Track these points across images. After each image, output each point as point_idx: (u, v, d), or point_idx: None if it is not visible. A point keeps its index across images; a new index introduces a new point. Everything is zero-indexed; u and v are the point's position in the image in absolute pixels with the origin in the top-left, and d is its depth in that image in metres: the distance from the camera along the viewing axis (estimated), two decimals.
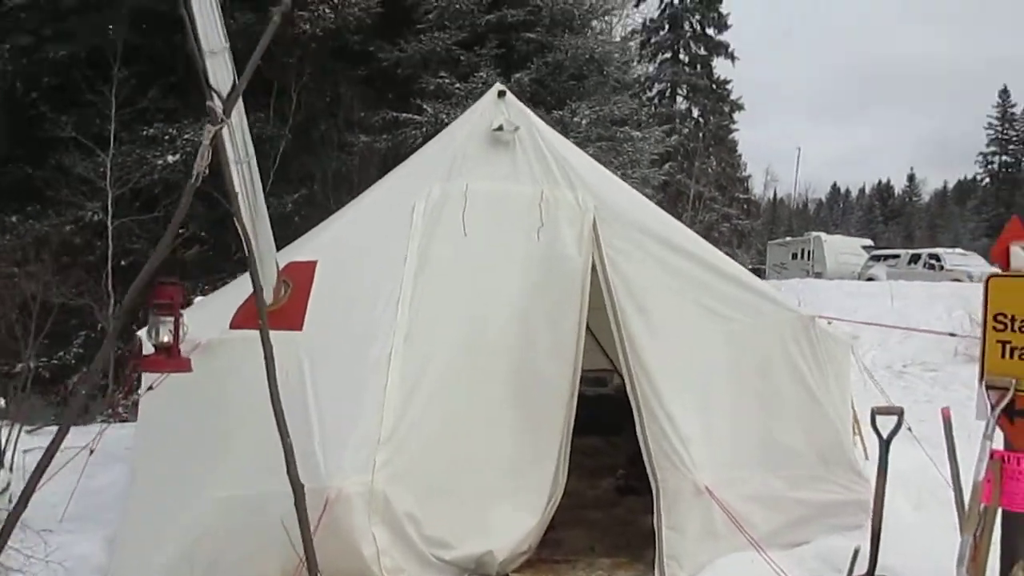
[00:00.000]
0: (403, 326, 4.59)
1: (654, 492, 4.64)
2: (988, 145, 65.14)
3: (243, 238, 4.07)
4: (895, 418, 4.44)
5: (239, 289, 4.85)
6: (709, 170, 34.81)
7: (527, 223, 4.99)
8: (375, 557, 4.22)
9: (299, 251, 5.04)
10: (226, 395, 4.53)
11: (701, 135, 35.42)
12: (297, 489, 3.52)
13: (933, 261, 27.32)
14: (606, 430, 8.57)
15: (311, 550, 3.60)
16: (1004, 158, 65.01)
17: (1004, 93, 63.75)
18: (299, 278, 4.86)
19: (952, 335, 10.40)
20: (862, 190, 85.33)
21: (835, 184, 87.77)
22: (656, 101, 35.71)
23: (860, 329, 9.04)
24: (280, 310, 4.73)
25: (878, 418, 4.46)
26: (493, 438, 4.67)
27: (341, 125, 13.86)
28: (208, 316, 4.88)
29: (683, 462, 4.52)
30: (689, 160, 32.82)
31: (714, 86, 36.38)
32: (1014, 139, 64.04)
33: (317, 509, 4.12)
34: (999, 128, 64.95)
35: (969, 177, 70.63)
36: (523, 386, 4.77)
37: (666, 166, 23.70)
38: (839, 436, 5.10)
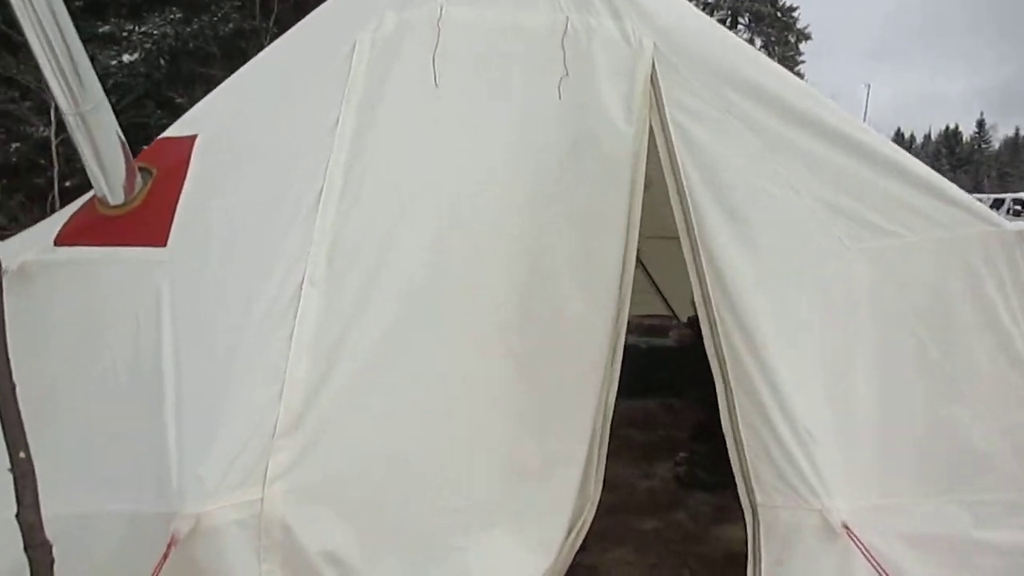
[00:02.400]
0: (325, 240, 2.67)
1: (750, 524, 2.72)
2: None
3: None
4: None
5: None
6: None
7: (541, 72, 2.91)
8: None
9: (175, 130, 3.15)
10: (47, 344, 2.74)
11: None
12: (37, 558, 1.68)
13: (1019, 207, 25.44)
14: (661, 390, 6.69)
15: None
16: None
17: None
18: (165, 163, 2.98)
19: None
20: (928, 136, 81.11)
21: (899, 130, 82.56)
22: None
23: None
24: (133, 214, 2.89)
25: None
26: (478, 426, 2.76)
27: None
28: (34, 233, 3.08)
29: (804, 480, 2.58)
30: None
31: (779, 14, 33.52)
32: None
33: (161, 548, 2.36)
34: None
35: None
36: (530, 340, 2.84)
37: None
38: None
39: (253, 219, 2.77)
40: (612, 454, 5.11)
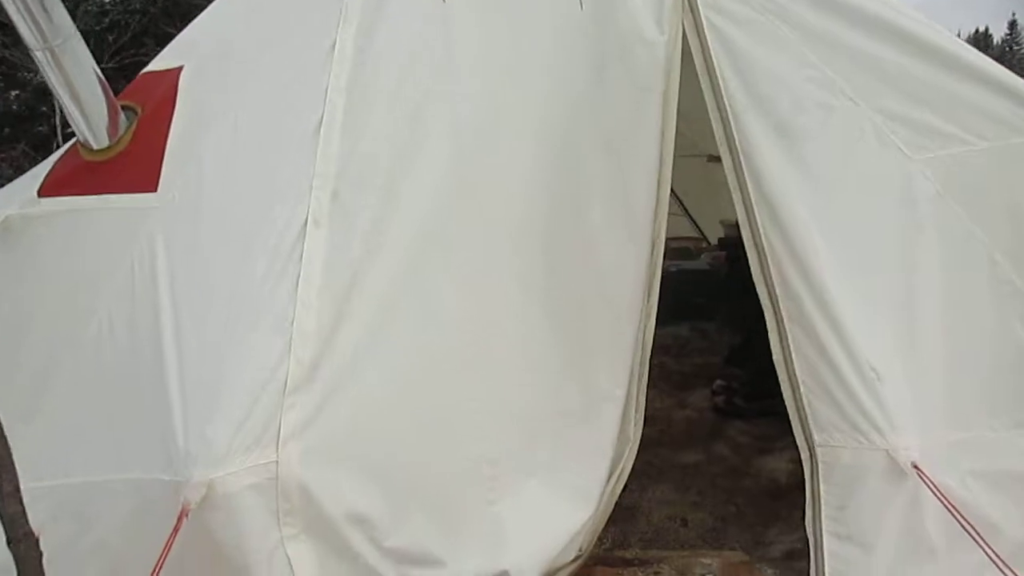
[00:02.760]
0: (328, 174, 2.43)
1: (808, 465, 2.48)
2: None
3: None
4: None
5: None
6: None
7: None
8: None
9: (158, 62, 2.87)
10: (36, 304, 2.54)
11: None
12: (21, 552, 1.49)
13: None
14: (695, 316, 6.45)
15: None
16: None
17: None
18: (151, 100, 2.72)
19: None
20: (957, 37, 78.26)
21: None
22: None
23: None
24: (119, 159, 2.64)
25: None
26: (506, 372, 2.53)
27: None
28: (16, 185, 2.85)
29: (868, 417, 2.33)
30: None
31: None
32: None
33: (173, 517, 2.19)
34: None
35: None
36: (560, 279, 2.60)
37: None
38: None
39: (249, 155, 2.51)
40: (647, 386, 4.96)
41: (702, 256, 6.43)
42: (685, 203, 6.84)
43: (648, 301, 2.64)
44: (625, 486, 2.85)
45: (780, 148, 2.48)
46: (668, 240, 7.15)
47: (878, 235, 2.49)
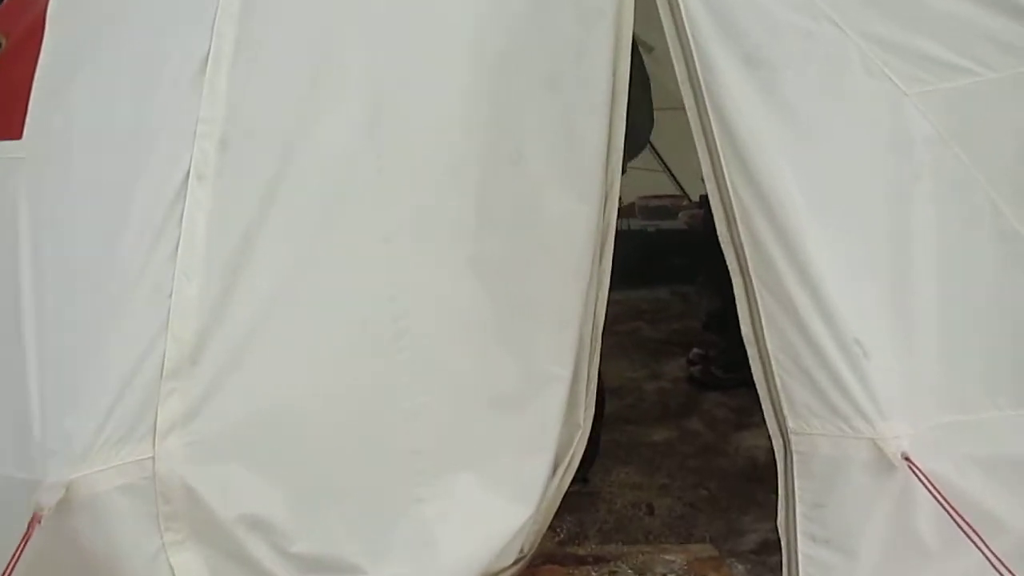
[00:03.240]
0: (215, 119, 2.00)
1: (780, 456, 2.12)
2: None
3: None
4: None
5: None
6: None
7: None
8: None
9: None
10: None
11: None
12: None
13: None
14: (672, 276, 6.12)
15: None
16: None
17: None
18: (14, 32, 2.31)
19: None
20: None
21: None
22: None
23: None
24: None
25: None
26: (433, 350, 2.15)
27: None
28: None
29: (851, 401, 1.95)
30: None
31: None
32: None
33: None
34: None
35: None
36: (495, 241, 2.18)
37: None
38: None
39: (125, 97, 2.10)
40: (618, 353, 4.59)
41: (679, 215, 6.06)
42: (665, 158, 6.45)
43: (600, 265, 2.27)
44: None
45: (751, 84, 2.09)
46: (647, 198, 6.76)
47: (866, 185, 2.12)
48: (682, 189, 6.56)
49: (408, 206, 2.11)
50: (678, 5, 2.12)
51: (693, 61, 2.13)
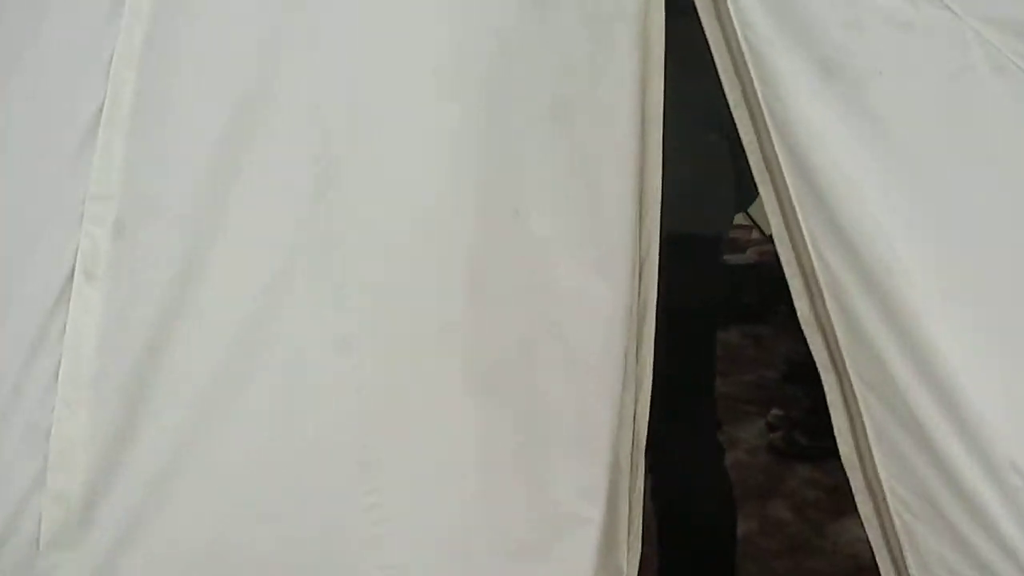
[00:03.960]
0: (109, 196, 1.48)
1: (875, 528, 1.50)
2: None
3: None
4: None
5: None
6: None
7: None
8: None
9: None
10: None
11: None
12: None
13: None
14: (743, 316, 5.48)
15: None
16: None
17: None
18: None
19: None
20: None
21: None
22: None
23: None
24: None
25: None
26: (413, 479, 1.62)
27: None
28: None
29: (1014, 556, 1.37)
30: None
31: None
32: None
33: None
34: None
35: None
36: (489, 325, 1.56)
37: None
38: None
39: (9, 171, 1.64)
40: None
41: (748, 251, 5.42)
42: None
43: (638, 361, 1.68)
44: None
45: (832, 102, 1.50)
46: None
47: (1003, 228, 1.50)
48: (752, 220, 5.90)
49: (371, 299, 1.56)
50: (725, 2, 1.55)
51: (748, 75, 1.54)
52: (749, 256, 5.37)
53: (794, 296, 1.56)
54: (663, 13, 1.61)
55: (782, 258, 1.57)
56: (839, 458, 1.64)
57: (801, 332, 1.59)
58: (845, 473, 1.67)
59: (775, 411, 3.81)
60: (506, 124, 1.63)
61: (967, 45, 1.50)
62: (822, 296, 1.46)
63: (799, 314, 1.55)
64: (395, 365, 1.59)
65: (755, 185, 1.63)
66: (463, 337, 1.61)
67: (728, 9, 1.53)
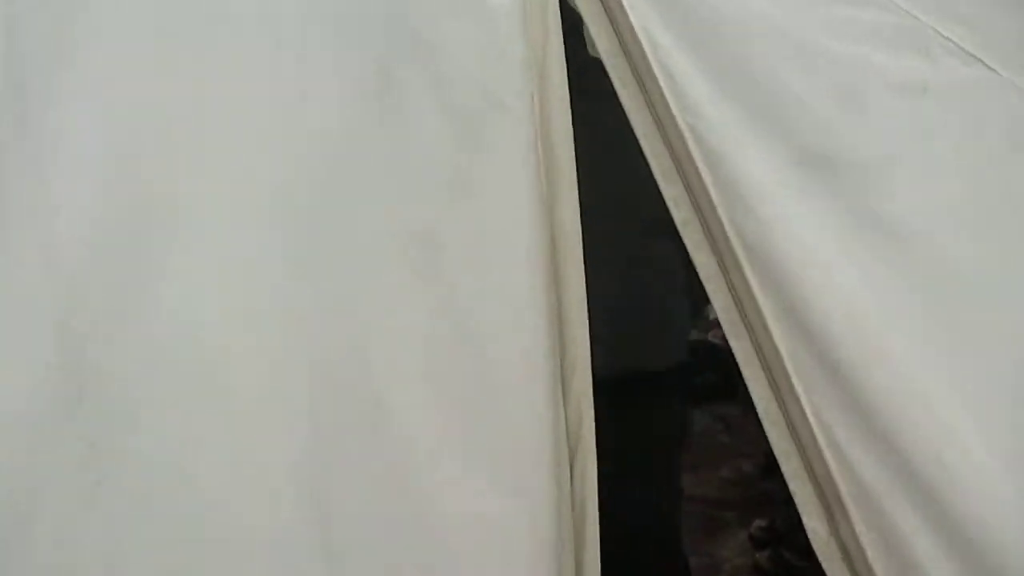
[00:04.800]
0: None
1: None
2: None
3: None
4: None
5: None
6: None
7: None
8: None
9: None
10: None
11: None
12: None
13: None
14: (711, 397, 5.01)
15: None
16: None
17: None
18: None
19: None
20: None
21: None
22: None
23: None
24: None
25: None
26: None
27: None
28: None
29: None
30: None
31: None
32: None
33: None
34: None
35: None
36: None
37: None
38: None
39: None
40: None
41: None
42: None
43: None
44: None
45: (815, 193, 1.04)
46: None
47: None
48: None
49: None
50: (654, 81, 1.09)
51: (698, 178, 1.08)
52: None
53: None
54: (567, 93, 1.13)
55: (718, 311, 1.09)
56: None
57: None
58: None
59: (758, 523, 3.30)
60: (343, 265, 1.11)
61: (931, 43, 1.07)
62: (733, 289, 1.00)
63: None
64: None
65: None
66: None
67: (661, 93, 1.06)
